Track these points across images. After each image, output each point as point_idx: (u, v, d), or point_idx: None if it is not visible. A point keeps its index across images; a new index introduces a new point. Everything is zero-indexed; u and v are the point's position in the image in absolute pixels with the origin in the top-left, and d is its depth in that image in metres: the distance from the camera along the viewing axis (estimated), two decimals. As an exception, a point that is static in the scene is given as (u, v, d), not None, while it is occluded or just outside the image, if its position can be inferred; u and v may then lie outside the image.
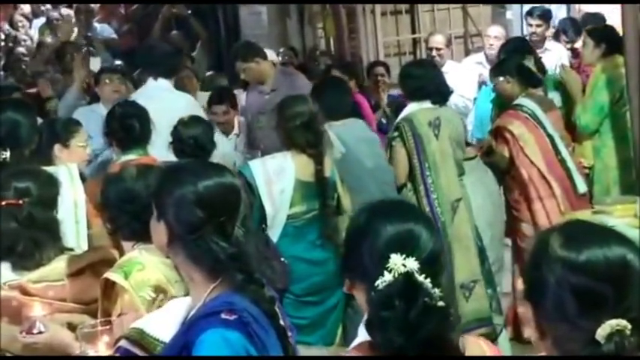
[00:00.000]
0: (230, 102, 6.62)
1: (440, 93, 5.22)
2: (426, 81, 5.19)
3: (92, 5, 11.35)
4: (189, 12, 9.92)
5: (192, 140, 4.67)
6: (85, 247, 3.56)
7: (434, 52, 7.42)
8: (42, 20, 11.47)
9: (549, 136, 5.53)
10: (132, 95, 5.78)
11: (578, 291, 1.73)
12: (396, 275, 1.94)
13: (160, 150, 4.70)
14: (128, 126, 4.50)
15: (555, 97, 6.11)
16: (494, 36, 7.54)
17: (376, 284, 1.95)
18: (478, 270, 5.12)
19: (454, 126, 5.18)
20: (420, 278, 1.94)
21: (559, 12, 8.62)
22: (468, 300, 5.08)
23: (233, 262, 2.20)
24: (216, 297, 2.20)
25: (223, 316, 2.13)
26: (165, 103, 5.31)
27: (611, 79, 5.82)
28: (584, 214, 5.05)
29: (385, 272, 1.94)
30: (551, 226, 1.89)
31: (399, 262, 1.94)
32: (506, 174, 5.58)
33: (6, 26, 11.81)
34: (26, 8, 11.85)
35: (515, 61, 5.73)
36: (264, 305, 2.22)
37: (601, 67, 5.94)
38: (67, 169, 3.80)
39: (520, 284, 5.69)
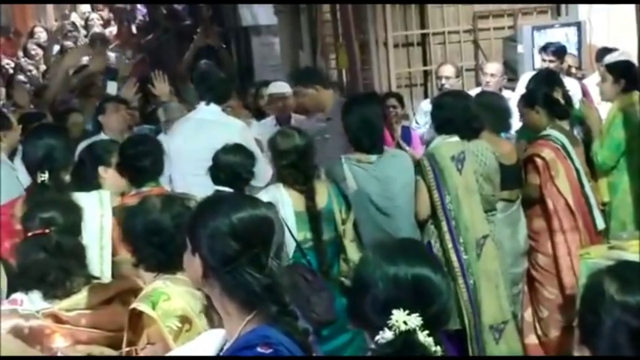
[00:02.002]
0: None
1: (469, 127, 5.10)
2: (455, 113, 5.07)
3: (107, 34, 11.47)
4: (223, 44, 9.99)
5: (229, 168, 4.60)
6: (109, 274, 3.59)
7: (443, 81, 7.41)
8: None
9: (576, 169, 5.54)
10: (184, 117, 5.89)
11: (638, 333, 1.77)
12: (397, 333, 1.92)
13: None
14: (141, 166, 4.47)
15: (580, 132, 6.12)
16: (491, 73, 7.50)
17: (376, 339, 1.94)
18: (508, 309, 5.02)
19: (482, 161, 5.06)
20: (421, 337, 1.92)
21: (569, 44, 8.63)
22: (498, 342, 4.96)
23: (267, 293, 2.20)
24: (251, 330, 2.20)
25: (259, 349, 2.13)
26: (218, 127, 5.38)
27: (627, 115, 5.81)
28: (600, 249, 5.07)
29: (386, 329, 1.93)
30: (598, 270, 1.91)
31: (401, 320, 1.92)
32: (532, 204, 5.56)
33: (20, 54, 11.94)
34: (42, 37, 11.95)
35: (544, 92, 5.73)
36: (298, 337, 2.22)
37: (618, 103, 5.93)
38: (99, 195, 3.85)
39: (528, 314, 5.63)
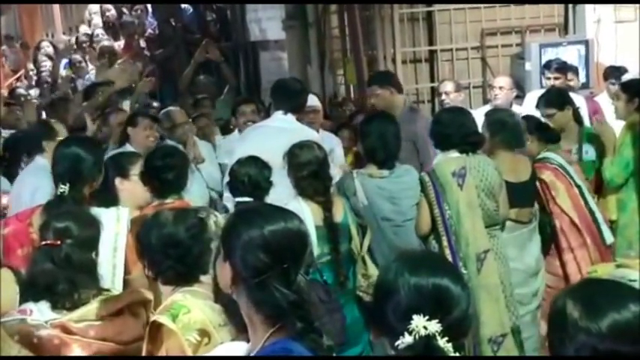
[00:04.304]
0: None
1: (468, 142, 5.12)
2: (453, 129, 5.12)
3: (116, 47, 11.51)
4: (223, 58, 10.05)
5: (246, 178, 4.69)
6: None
7: (443, 97, 7.46)
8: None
9: (577, 186, 5.57)
10: (257, 125, 5.99)
11: (602, 356, 1.80)
12: (417, 338, 1.94)
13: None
14: (165, 178, 4.49)
15: (590, 149, 6.15)
16: (500, 86, 7.50)
17: (396, 344, 1.96)
18: (508, 323, 5.04)
19: (484, 176, 5.08)
20: (441, 342, 1.94)
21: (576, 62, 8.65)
22: (496, 354, 4.97)
23: (293, 309, 2.20)
24: (274, 342, 2.21)
25: None
26: (296, 135, 5.37)
27: (638, 134, 5.82)
28: (608, 267, 5.07)
29: (406, 333, 1.95)
30: (563, 290, 1.94)
31: (421, 325, 1.95)
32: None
33: (30, 65, 12.04)
34: (48, 51, 12.02)
35: (535, 120, 5.78)
36: (322, 354, 2.22)
37: (629, 122, 5.96)
38: (116, 212, 3.85)
39: (543, 329, 5.54)
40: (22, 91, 10.76)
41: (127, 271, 3.78)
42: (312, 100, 6.87)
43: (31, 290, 3.19)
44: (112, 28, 12.59)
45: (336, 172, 5.47)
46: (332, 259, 4.73)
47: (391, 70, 8.26)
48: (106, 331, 3.11)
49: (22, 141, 6.09)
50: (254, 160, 4.79)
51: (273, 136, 5.40)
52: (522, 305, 5.29)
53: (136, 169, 4.48)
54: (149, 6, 12.51)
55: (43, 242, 3.22)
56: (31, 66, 12.11)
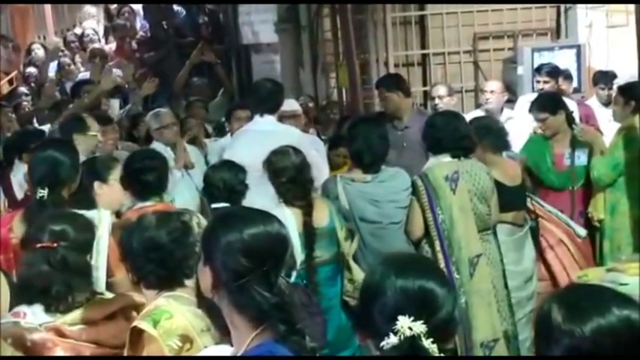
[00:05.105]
0: None
1: (460, 147, 5.12)
2: (445, 133, 5.12)
3: (107, 50, 11.47)
4: (218, 61, 10.04)
5: (221, 183, 4.72)
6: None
7: (437, 101, 7.48)
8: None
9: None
10: (241, 130, 6.05)
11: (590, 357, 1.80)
12: (402, 338, 1.95)
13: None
14: (146, 180, 4.52)
15: (582, 154, 6.15)
16: (491, 90, 7.56)
17: (381, 345, 1.97)
18: (500, 328, 5.04)
19: (476, 180, 5.08)
20: (426, 343, 1.95)
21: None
22: None
23: (275, 312, 2.19)
24: (258, 345, 2.20)
25: None
26: (278, 136, 5.42)
27: (631, 137, 5.85)
28: (598, 271, 5.09)
29: (391, 334, 1.96)
30: (549, 294, 1.94)
31: (406, 325, 1.96)
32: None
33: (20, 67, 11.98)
34: (38, 54, 11.97)
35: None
36: (306, 355, 2.21)
37: (624, 125, 5.99)
38: (98, 215, 3.83)
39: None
40: (23, 89, 10.70)
41: (110, 274, 3.76)
42: (292, 105, 6.87)
43: (25, 293, 3.18)
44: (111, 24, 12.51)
45: (325, 173, 5.48)
46: (306, 264, 4.72)
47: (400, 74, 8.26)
48: (100, 335, 3.10)
49: (15, 143, 6.05)
50: (228, 165, 4.83)
51: (259, 140, 5.42)
52: (519, 308, 5.31)
53: (114, 174, 4.45)
54: (140, 9, 12.45)
55: (39, 245, 3.20)
56: (21, 67, 12.04)
